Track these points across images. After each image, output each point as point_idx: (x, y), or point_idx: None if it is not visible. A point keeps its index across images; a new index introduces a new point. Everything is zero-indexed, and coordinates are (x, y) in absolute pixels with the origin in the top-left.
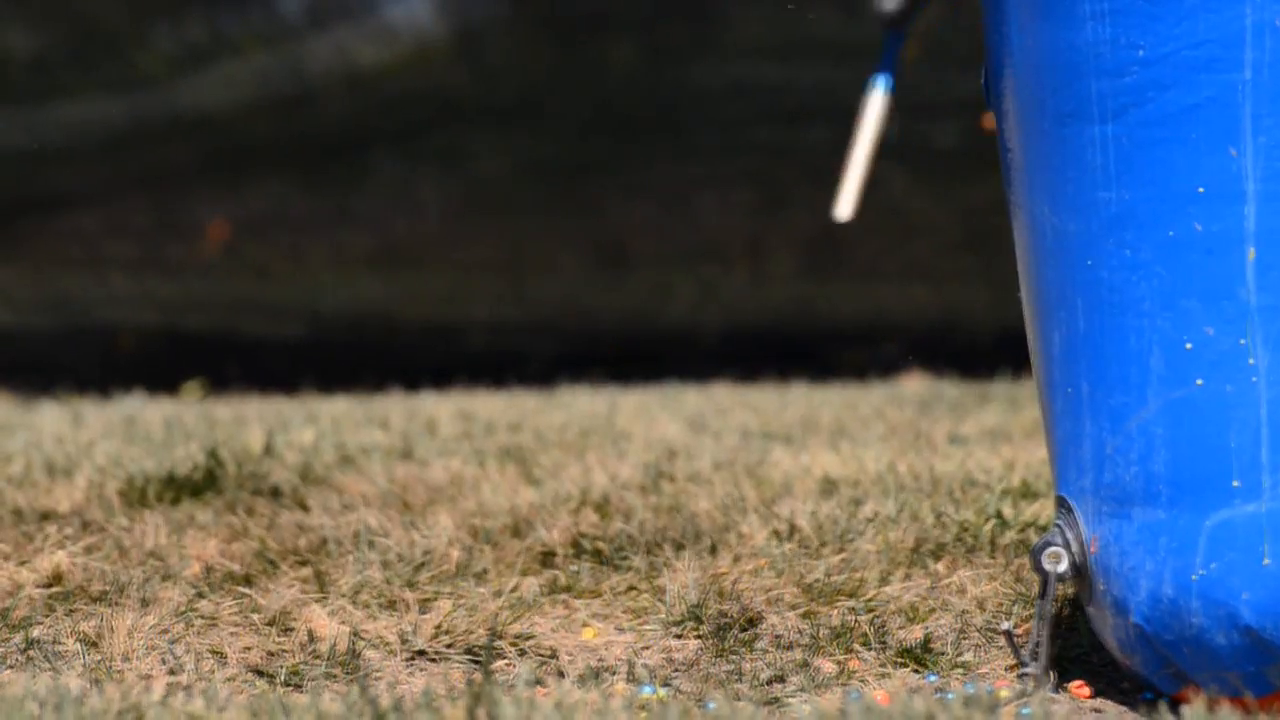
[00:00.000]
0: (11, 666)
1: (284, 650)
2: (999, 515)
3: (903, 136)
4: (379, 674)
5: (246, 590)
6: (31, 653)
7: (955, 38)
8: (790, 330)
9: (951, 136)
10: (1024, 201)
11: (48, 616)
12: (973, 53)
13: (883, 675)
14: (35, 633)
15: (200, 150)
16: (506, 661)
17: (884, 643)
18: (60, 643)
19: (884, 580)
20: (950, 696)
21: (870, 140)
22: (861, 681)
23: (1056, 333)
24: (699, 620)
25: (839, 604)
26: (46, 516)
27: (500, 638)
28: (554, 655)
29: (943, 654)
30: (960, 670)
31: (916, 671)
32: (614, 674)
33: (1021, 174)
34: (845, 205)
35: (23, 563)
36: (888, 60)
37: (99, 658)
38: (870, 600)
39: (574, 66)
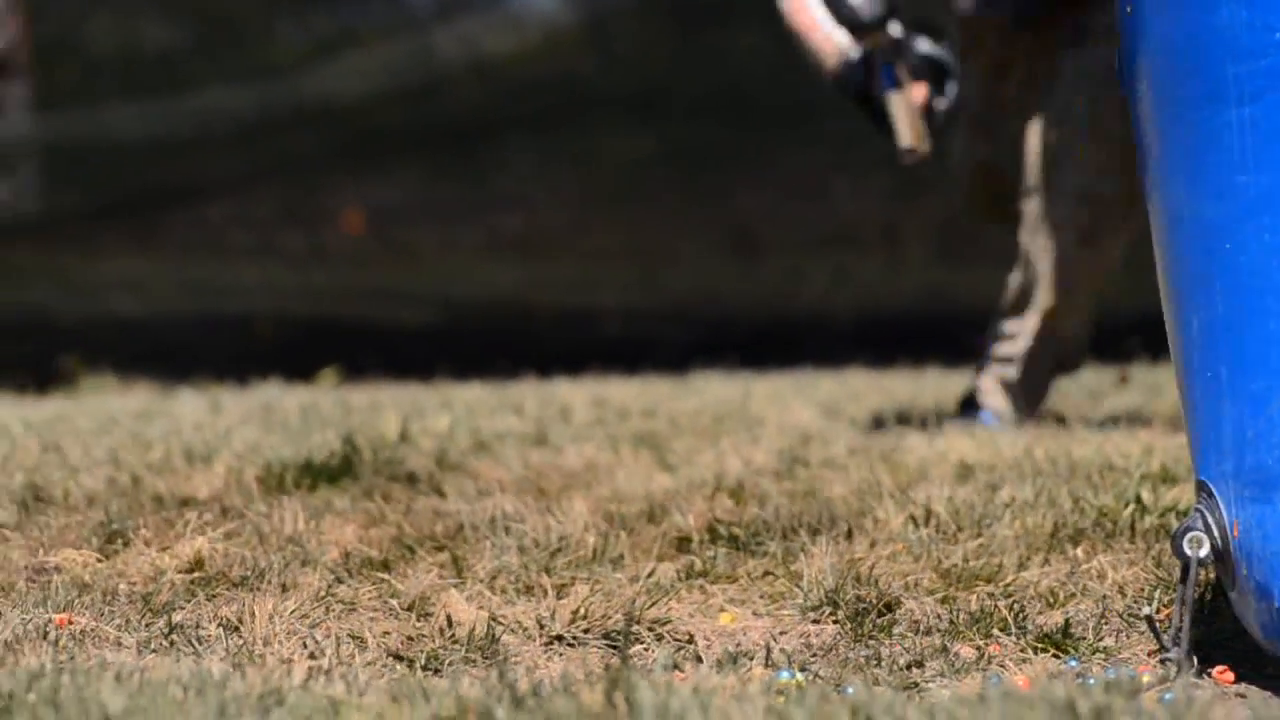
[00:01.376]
0: (155, 651)
1: (423, 635)
2: (1138, 500)
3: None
4: (517, 659)
5: (385, 576)
6: (174, 637)
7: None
8: (924, 315)
9: None
10: (1160, 186)
11: (189, 601)
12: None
13: (1023, 660)
14: (177, 617)
15: (331, 140)
16: (644, 646)
17: (1023, 628)
18: (202, 627)
19: (1022, 565)
20: (1092, 682)
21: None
22: (1001, 666)
23: (1195, 317)
24: (836, 605)
25: (977, 589)
26: (186, 503)
27: (637, 623)
28: (691, 640)
29: (1083, 639)
30: (1101, 655)
31: (1057, 657)
32: (751, 659)
33: (1157, 159)
34: (906, 137)
35: (164, 548)
36: (886, 75)
37: (240, 642)
38: (1009, 585)
39: (702, 53)
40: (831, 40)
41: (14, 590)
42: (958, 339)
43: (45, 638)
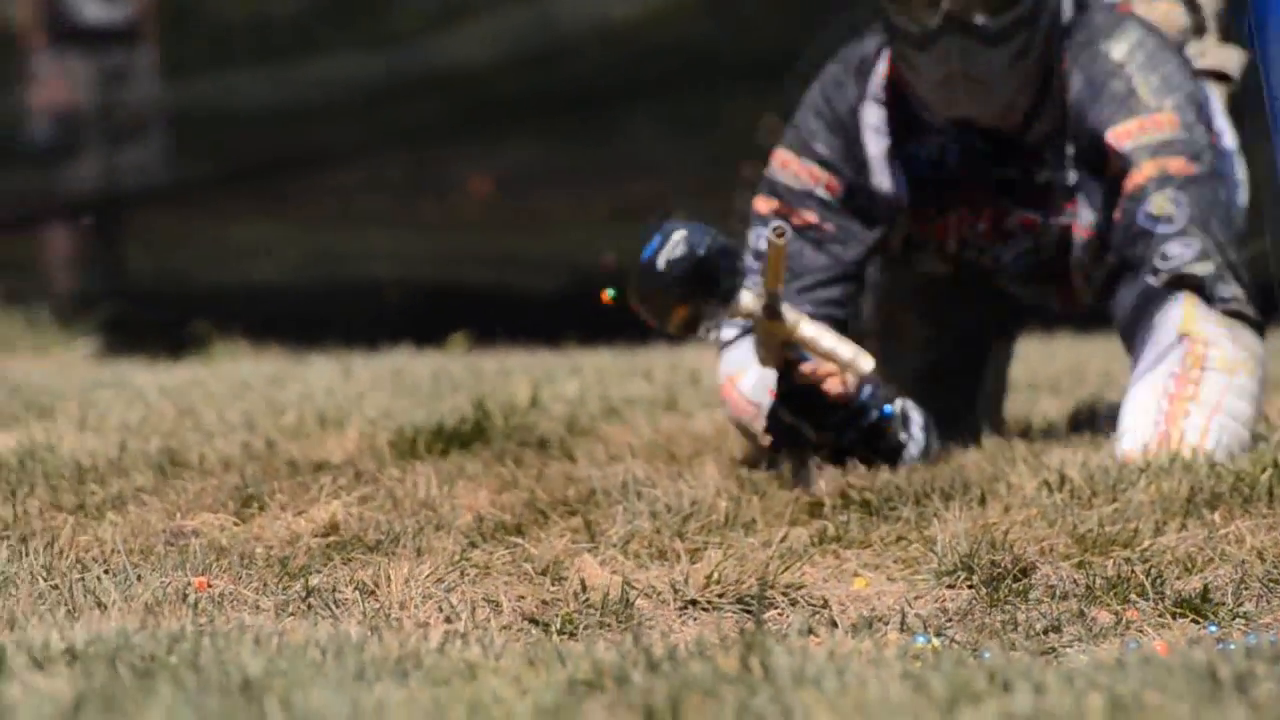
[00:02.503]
0: (293, 614)
1: (557, 599)
2: (1275, 464)
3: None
4: (651, 623)
5: (518, 540)
6: (311, 600)
7: None
8: None
9: None
10: None
11: (325, 565)
12: None
13: (1161, 626)
14: (314, 581)
15: (458, 106)
16: (778, 611)
17: (1161, 593)
18: (338, 591)
19: (1159, 530)
20: (1231, 647)
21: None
22: (1139, 632)
23: None
24: (971, 570)
25: (1113, 554)
26: (320, 467)
27: (771, 587)
28: (825, 605)
29: (1222, 604)
30: (1241, 621)
31: (1195, 622)
32: (886, 624)
33: None
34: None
35: (299, 513)
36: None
37: (376, 606)
38: (1145, 550)
39: (827, 16)
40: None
41: (152, 554)
42: None
43: (184, 600)
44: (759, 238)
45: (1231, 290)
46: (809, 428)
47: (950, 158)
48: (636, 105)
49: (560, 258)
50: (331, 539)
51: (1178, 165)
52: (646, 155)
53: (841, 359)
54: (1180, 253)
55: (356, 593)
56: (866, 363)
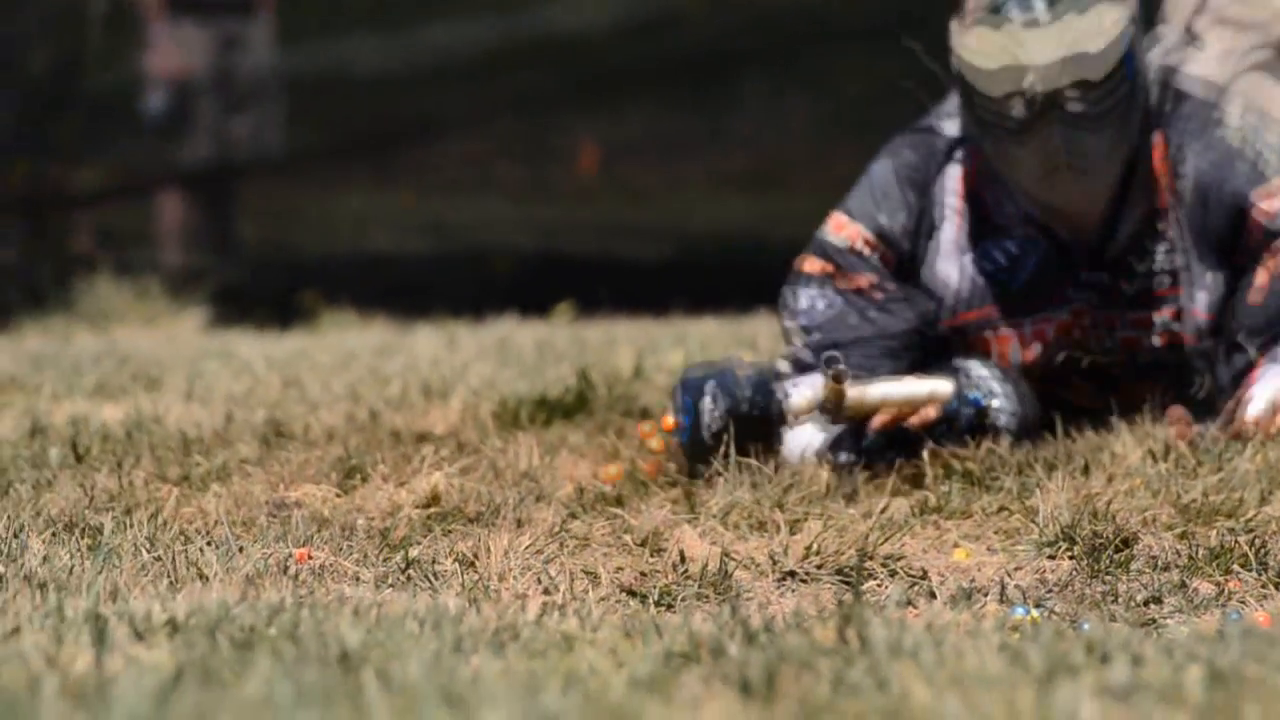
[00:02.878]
0: (392, 586)
1: (655, 570)
2: None
3: None
4: (749, 594)
5: (618, 511)
6: (411, 572)
7: None
8: None
9: None
10: None
11: (426, 536)
12: None
13: (1263, 597)
14: (414, 552)
15: (570, 73)
16: (877, 582)
17: (1264, 564)
18: (438, 562)
19: (1264, 500)
20: None
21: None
22: (1241, 603)
23: None
24: (1072, 541)
25: (1217, 524)
26: (423, 438)
27: (870, 558)
28: (924, 576)
29: None
30: None
31: None
32: (985, 595)
33: None
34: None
35: (401, 484)
36: None
37: (475, 577)
38: (1250, 520)
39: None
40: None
41: (255, 525)
42: None
43: (285, 572)
44: (799, 299)
45: None
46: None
47: (1028, 263)
48: (747, 72)
49: (667, 226)
50: (432, 510)
51: None
52: (756, 122)
53: (920, 399)
54: None
55: (456, 564)
56: (945, 386)
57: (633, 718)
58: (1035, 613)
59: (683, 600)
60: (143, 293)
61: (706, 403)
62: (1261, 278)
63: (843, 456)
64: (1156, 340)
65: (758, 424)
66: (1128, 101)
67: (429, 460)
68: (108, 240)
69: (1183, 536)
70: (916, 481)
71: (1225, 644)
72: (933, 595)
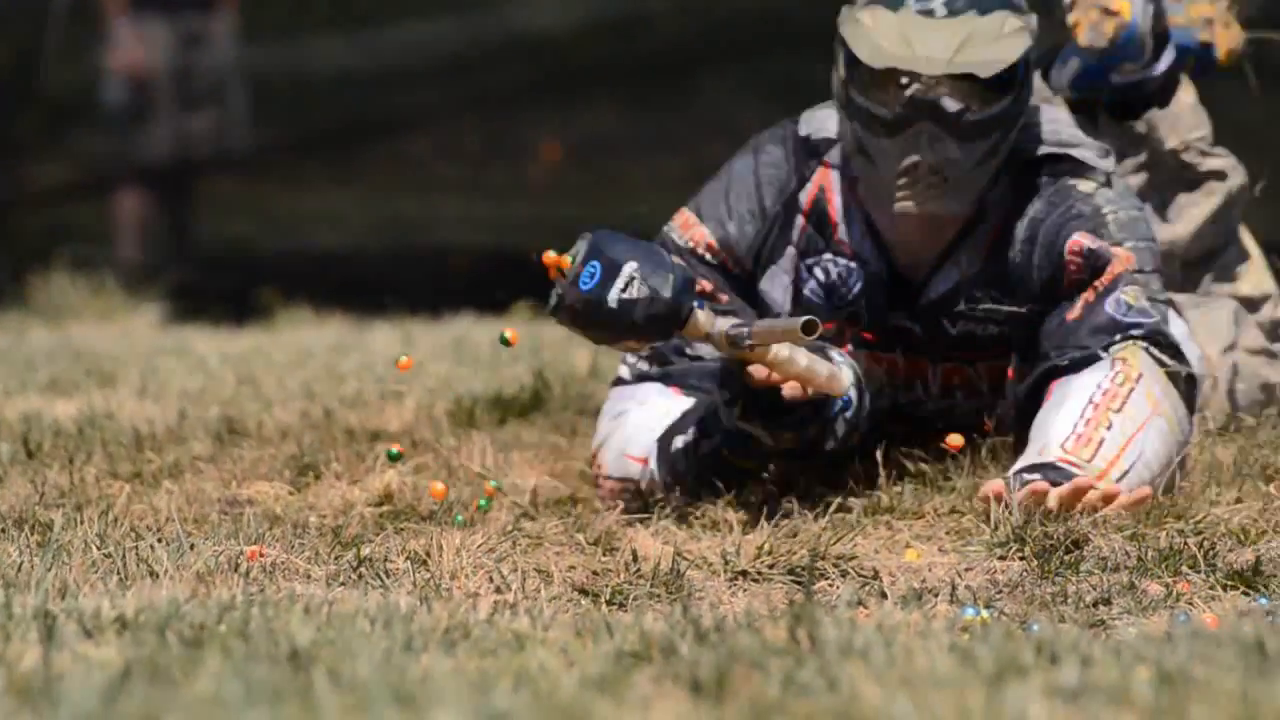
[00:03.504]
0: (344, 584)
1: (608, 570)
2: None
3: None
4: (701, 594)
5: (571, 510)
6: (362, 570)
7: None
8: None
9: None
10: None
11: (378, 534)
12: None
13: (1212, 598)
14: (366, 551)
15: (532, 73)
16: (829, 582)
17: (1213, 565)
18: (390, 561)
19: (1213, 502)
20: None
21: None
22: (1189, 604)
23: None
24: (1023, 542)
25: (1166, 526)
26: (377, 436)
27: (822, 558)
28: (875, 576)
29: (1274, 576)
30: None
31: (1246, 594)
32: (936, 596)
33: None
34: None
35: (354, 482)
36: None
37: (427, 576)
38: (1199, 522)
39: None
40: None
41: (207, 522)
42: None
43: (236, 569)
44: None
45: (1178, 363)
46: (765, 433)
47: (851, 286)
48: (713, 72)
49: (627, 226)
50: (385, 508)
51: (1141, 279)
52: (721, 122)
53: (819, 379)
54: (1144, 322)
55: (408, 563)
56: (843, 380)
57: (583, 717)
58: (985, 613)
59: (634, 599)
60: (99, 288)
61: (629, 268)
62: (1078, 306)
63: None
64: (974, 388)
65: (659, 321)
66: (1004, 127)
67: (383, 458)
68: (65, 235)
69: (1132, 538)
70: (870, 482)
71: (1173, 645)
72: (884, 595)
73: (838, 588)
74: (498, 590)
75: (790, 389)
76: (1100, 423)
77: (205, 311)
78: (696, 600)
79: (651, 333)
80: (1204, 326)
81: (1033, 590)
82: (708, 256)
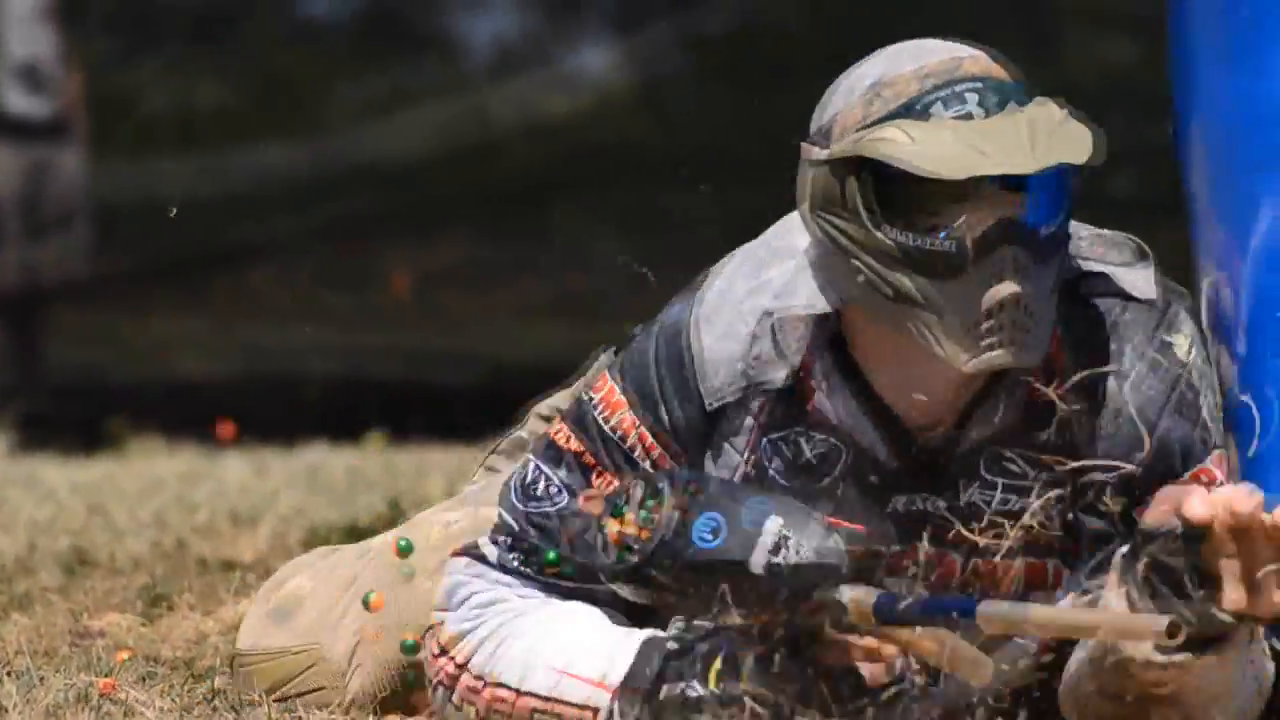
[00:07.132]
0: (198, 717)
1: None
2: None
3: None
4: None
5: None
6: (216, 703)
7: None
8: None
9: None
10: (1210, 251)
11: (231, 666)
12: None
13: None
14: (219, 683)
15: (383, 201)
16: None
17: None
18: (244, 694)
19: None
20: None
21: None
22: None
23: None
24: None
25: None
26: (230, 566)
27: None
28: None
29: None
30: None
31: None
32: None
33: (1210, 223)
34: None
35: (208, 613)
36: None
37: (282, 708)
38: None
39: (757, 116)
40: None
41: (57, 655)
42: None
43: (87, 703)
44: (538, 482)
45: None
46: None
47: (832, 463)
48: (565, 202)
49: (481, 353)
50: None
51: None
52: (574, 252)
53: (964, 661)
54: None
55: (262, 694)
56: (985, 673)
57: None
58: None
59: None
60: None
61: (773, 529)
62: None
63: None
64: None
65: (807, 591)
66: (1065, 241)
67: (236, 588)
68: None
69: None
70: None
71: None
72: None
73: None
74: None
75: (877, 669)
76: None
77: (54, 441)
78: None
79: (790, 607)
80: None
81: None
82: (636, 452)
